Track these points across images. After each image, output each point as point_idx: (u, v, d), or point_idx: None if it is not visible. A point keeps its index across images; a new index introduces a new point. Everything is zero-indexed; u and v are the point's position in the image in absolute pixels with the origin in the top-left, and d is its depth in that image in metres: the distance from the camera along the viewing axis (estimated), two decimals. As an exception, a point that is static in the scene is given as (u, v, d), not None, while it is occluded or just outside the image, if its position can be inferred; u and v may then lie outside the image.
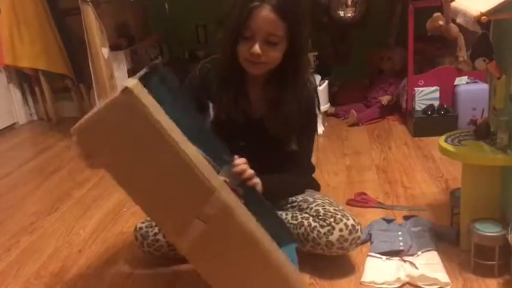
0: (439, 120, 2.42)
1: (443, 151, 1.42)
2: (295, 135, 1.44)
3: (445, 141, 1.44)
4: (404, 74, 2.66)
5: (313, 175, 1.67)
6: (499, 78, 1.35)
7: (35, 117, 3.61)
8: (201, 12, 3.06)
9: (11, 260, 1.72)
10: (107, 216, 1.98)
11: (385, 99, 2.76)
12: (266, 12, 1.28)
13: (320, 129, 2.68)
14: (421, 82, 2.52)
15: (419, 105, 2.51)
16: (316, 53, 2.86)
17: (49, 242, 1.81)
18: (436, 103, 2.48)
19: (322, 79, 2.77)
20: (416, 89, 2.51)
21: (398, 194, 1.90)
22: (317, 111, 1.49)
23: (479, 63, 1.35)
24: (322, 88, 2.69)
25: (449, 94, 2.49)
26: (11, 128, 3.42)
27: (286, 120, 1.40)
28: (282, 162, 1.44)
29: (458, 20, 1.33)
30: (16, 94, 3.49)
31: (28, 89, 3.54)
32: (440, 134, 2.35)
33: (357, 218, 1.71)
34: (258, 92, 1.44)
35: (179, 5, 2.59)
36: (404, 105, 2.66)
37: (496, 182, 1.39)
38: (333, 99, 2.97)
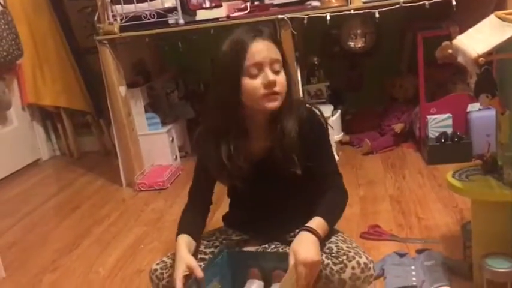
0: (453, 148, 2.42)
1: (451, 187, 1.43)
2: (304, 159, 1.42)
3: (453, 177, 1.45)
4: (417, 102, 2.67)
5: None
6: (502, 113, 1.36)
7: (58, 153, 3.72)
8: (216, 47, 3.14)
9: (34, 300, 1.78)
10: (125, 253, 2.03)
11: (398, 127, 2.77)
12: (264, 42, 1.32)
13: (334, 158, 2.70)
14: (433, 110, 2.53)
15: (433, 132, 2.51)
16: (328, 83, 2.89)
17: (70, 281, 1.87)
18: (450, 130, 2.48)
19: (335, 109, 2.80)
20: (429, 116, 2.52)
21: (412, 226, 1.90)
22: (324, 124, 1.49)
23: (483, 99, 1.36)
24: (335, 118, 2.71)
25: (462, 121, 2.49)
26: (35, 164, 3.54)
27: (291, 147, 1.39)
28: (310, 193, 1.46)
29: (459, 59, 1.35)
30: (39, 131, 3.61)
31: (51, 126, 3.66)
32: (455, 162, 2.38)
33: (371, 251, 1.75)
34: (260, 133, 1.46)
35: (193, 42, 2.67)
36: (417, 133, 2.67)
37: (506, 216, 1.38)
38: (346, 128, 3.00)
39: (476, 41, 1.31)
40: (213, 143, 1.45)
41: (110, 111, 2.73)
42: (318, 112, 1.51)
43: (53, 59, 3.32)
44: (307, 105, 1.52)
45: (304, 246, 1.29)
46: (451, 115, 2.49)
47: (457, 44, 1.39)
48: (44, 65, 3.34)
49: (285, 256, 1.41)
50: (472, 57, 1.21)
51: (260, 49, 1.32)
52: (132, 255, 2.00)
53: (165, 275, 1.51)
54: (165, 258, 1.56)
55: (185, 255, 1.36)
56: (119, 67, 2.66)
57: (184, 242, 1.41)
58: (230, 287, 1.45)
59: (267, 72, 1.32)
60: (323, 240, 1.36)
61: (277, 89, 1.33)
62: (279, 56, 1.34)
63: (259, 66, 1.32)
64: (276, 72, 1.34)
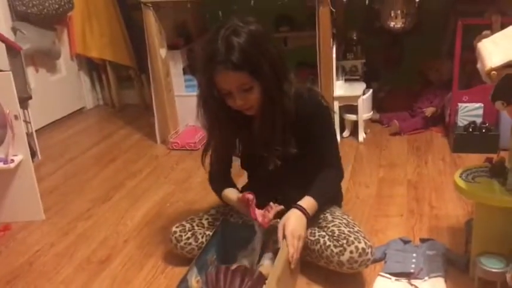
0: (479, 138, 2.43)
1: (456, 186, 1.48)
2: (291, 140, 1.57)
3: (460, 177, 1.50)
4: (451, 87, 2.65)
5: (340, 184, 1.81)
6: (515, 121, 1.39)
7: (101, 102, 3.93)
8: (254, 9, 3.18)
9: (68, 243, 1.97)
10: (152, 209, 2.20)
11: (429, 111, 2.78)
12: (224, 73, 1.41)
13: (361, 136, 2.75)
14: (465, 98, 2.52)
15: (462, 121, 2.52)
16: (364, 60, 2.90)
17: (101, 229, 2.06)
18: (479, 120, 2.48)
19: (368, 87, 2.82)
20: (460, 104, 2.52)
21: (423, 213, 1.97)
22: (324, 111, 1.61)
23: (498, 105, 1.39)
24: (366, 96, 2.75)
25: (493, 112, 2.47)
26: (80, 111, 3.76)
27: (272, 128, 1.53)
28: (313, 169, 1.60)
29: (478, 66, 1.38)
30: (85, 80, 3.81)
31: (96, 76, 3.85)
32: (480, 152, 2.40)
33: (378, 234, 1.84)
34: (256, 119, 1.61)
35: (233, 12, 2.72)
36: (447, 119, 2.67)
37: (507, 220, 1.43)
38: (378, 105, 3.03)
39: (497, 49, 1.33)
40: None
41: (150, 72, 2.86)
42: (319, 96, 1.64)
43: (101, 13, 3.46)
44: (309, 89, 1.63)
45: (293, 221, 1.48)
46: (482, 105, 2.49)
47: (480, 49, 1.41)
48: (93, 19, 3.48)
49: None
50: (485, 69, 1.24)
51: (222, 80, 1.44)
52: (158, 211, 2.17)
53: (183, 238, 1.68)
54: (184, 222, 1.72)
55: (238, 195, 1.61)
56: (161, 29, 2.77)
57: (233, 191, 1.67)
58: (225, 255, 1.61)
59: (235, 98, 1.46)
60: (311, 218, 1.54)
61: (246, 106, 1.49)
62: (244, 80, 1.43)
63: (228, 91, 1.46)
64: (248, 90, 1.45)
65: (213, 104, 1.51)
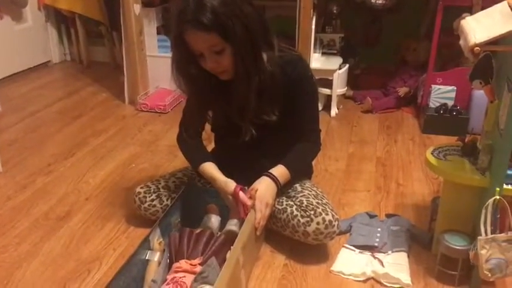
0: (449, 120, 2.45)
1: (427, 163, 1.48)
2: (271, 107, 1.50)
3: (431, 153, 1.50)
4: (426, 68, 2.66)
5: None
6: (491, 102, 1.39)
7: (68, 58, 3.77)
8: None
9: (26, 197, 1.90)
10: (117, 169, 2.13)
11: (402, 90, 2.78)
12: (193, 34, 1.31)
13: (333, 111, 2.74)
14: (439, 80, 2.53)
15: (434, 102, 2.53)
16: (342, 35, 2.87)
17: (61, 186, 1.98)
18: (451, 103, 2.50)
19: (344, 62, 2.80)
20: (433, 86, 2.53)
21: (389, 190, 1.98)
22: (311, 83, 1.56)
23: (476, 84, 1.39)
24: (342, 72, 2.72)
25: (465, 96, 2.49)
26: (45, 65, 3.60)
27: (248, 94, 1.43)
28: (289, 139, 1.56)
29: (460, 42, 1.36)
30: (53, 33, 3.63)
31: (64, 30, 3.68)
32: (449, 134, 2.41)
33: (345, 207, 1.84)
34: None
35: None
36: (419, 100, 2.69)
37: (473, 198, 1.44)
38: (353, 82, 3.01)
39: (480, 27, 1.31)
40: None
41: (122, 28, 2.74)
42: (308, 67, 1.58)
43: (73, -37, 3.29)
44: (300, 58, 1.56)
45: (263, 188, 1.46)
46: (455, 88, 2.50)
47: (463, 26, 1.39)
48: (63, -33, 3.31)
49: None
50: (468, 44, 1.22)
51: (191, 41, 1.33)
52: (122, 171, 2.11)
53: (147, 199, 1.62)
54: (149, 183, 1.66)
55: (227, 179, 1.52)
56: (136, -17, 2.65)
57: (216, 168, 1.56)
58: (189, 220, 1.57)
59: (206, 60, 1.37)
60: (282, 187, 1.51)
61: (219, 70, 1.40)
62: (214, 41, 1.32)
63: (199, 53, 1.36)
64: (219, 53, 1.35)
65: (185, 65, 1.42)
